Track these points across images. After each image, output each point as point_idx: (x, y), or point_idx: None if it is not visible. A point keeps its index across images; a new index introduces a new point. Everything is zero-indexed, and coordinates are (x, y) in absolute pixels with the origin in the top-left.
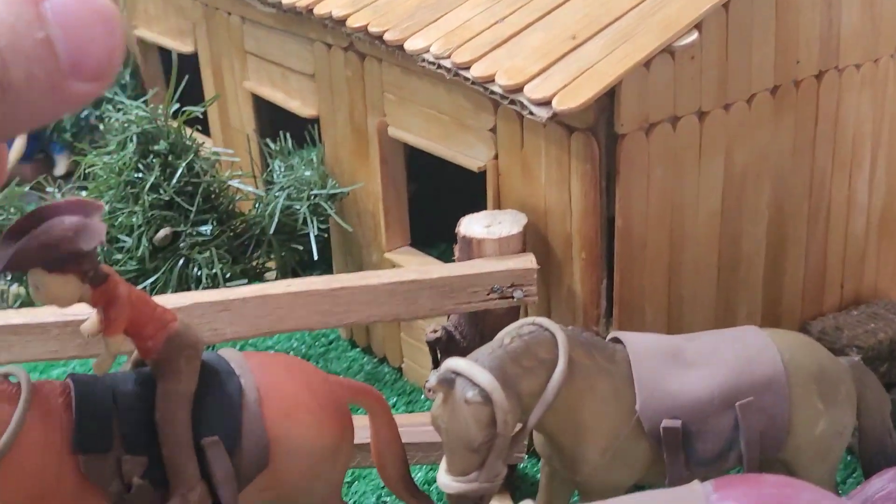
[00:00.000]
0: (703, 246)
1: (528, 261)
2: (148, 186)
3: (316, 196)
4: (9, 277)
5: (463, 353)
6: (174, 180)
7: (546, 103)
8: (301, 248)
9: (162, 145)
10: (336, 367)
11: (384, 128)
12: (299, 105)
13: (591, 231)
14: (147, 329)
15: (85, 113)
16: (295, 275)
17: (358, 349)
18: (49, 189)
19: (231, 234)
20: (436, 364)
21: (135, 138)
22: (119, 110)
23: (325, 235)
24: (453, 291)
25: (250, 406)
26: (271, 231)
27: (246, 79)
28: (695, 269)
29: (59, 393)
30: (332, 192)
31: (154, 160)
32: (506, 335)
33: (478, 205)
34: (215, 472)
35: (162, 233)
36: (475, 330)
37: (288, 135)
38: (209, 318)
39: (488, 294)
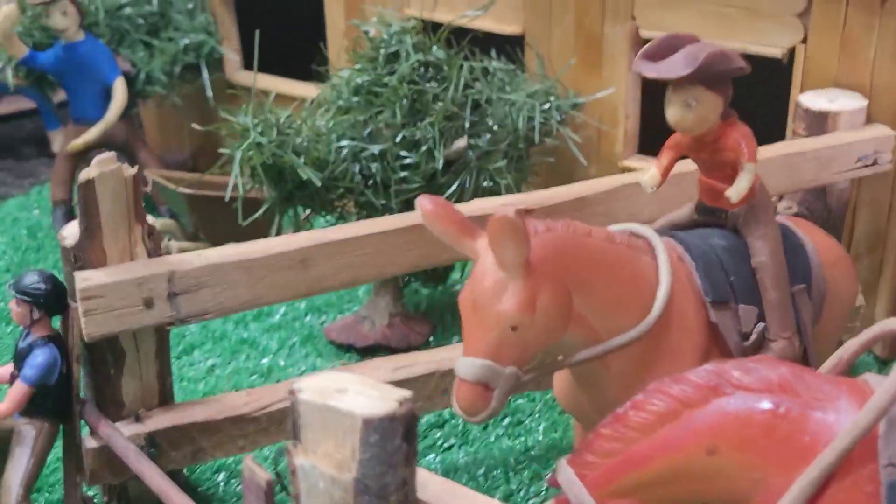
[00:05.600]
0: None
1: (885, 129)
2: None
3: (557, 107)
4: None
5: None
6: (451, 91)
7: None
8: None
9: (440, 55)
10: None
11: (635, 31)
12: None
13: None
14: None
15: None
16: None
17: None
18: None
19: (507, 144)
20: None
21: (411, 50)
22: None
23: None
24: (829, 161)
25: (812, 256)
26: (536, 140)
27: None
28: None
29: (671, 247)
30: (575, 101)
31: (430, 71)
32: None
33: None
34: (803, 318)
35: (458, 143)
36: (822, 205)
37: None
38: None
39: (856, 163)
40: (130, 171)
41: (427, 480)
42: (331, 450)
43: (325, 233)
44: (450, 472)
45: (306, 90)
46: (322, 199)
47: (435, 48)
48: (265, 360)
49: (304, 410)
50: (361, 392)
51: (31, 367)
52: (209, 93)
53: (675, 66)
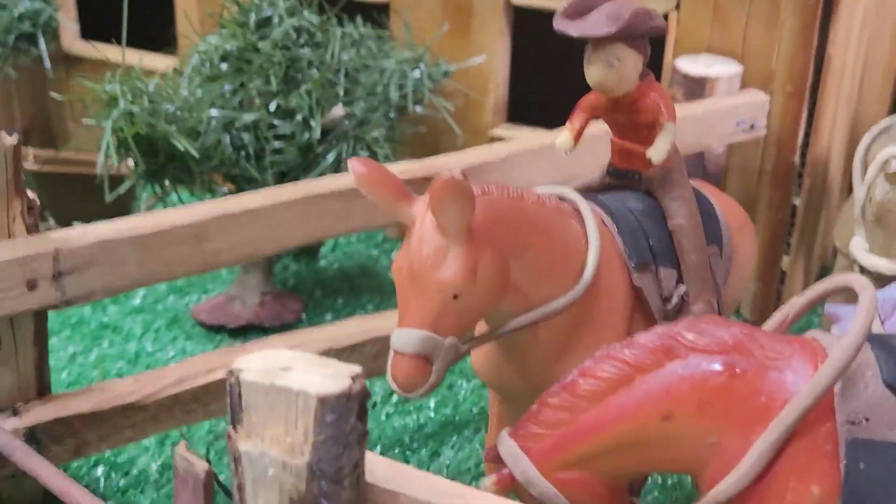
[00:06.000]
0: None
1: (760, 94)
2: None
3: (428, 76)
4: None
5: None
6: (328, 58)
7: None
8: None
9: (313, 20)
10: None
11: None
12: None
13: (800, 65)
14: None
15: None
16: None
17: None
18: None
19: (378, 113)
20: None
21: (283, 15)
22: None
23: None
24: (709, 126)
25: (721, 219)
26: (410, 108)
27: None
28: None
29: (594, 210)
30: (446, 69)
31: (303, 37)
32: None
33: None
34: (717, 279)
35: (335, 112)
36: (701, 171)
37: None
38: None
39: (736, 127)
40: (11, 140)
41: (373, 462)
42: (280, 433)
43: (221, 204)
44: None
45: (154, 60)
46: (193, 173)
47: (306, 13)
48: (131, 346)
49: (247, 392)
50: (309, 370)
51: None
52: (47, 63)
53: (599, 25)
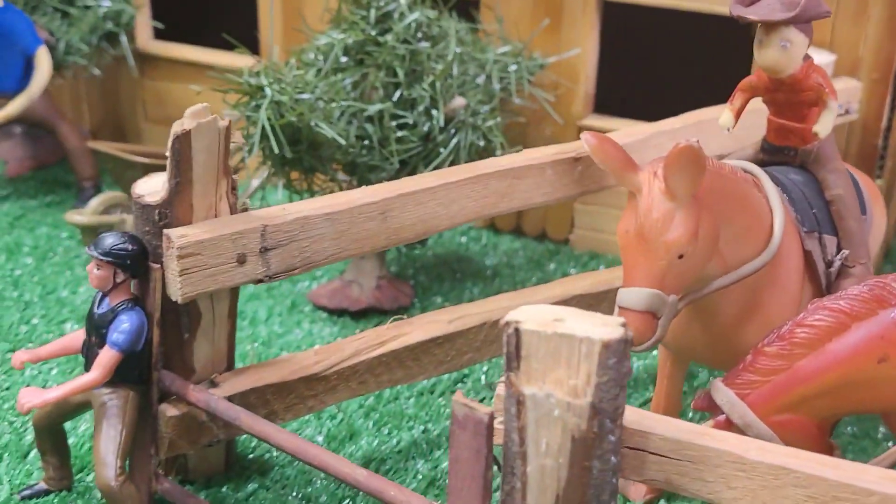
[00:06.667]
0: None
1: (853, 81)
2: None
3: (525, 68)
4: None
5: None
6: (452, 51)
7: None
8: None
9: (430, 14)
10: None
11: None
12: None
13: (886, 54)
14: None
15: None
16: None
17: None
18: None
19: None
20: None
21: (406, 10)
22: None
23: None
24: None
25: (863, 191)
26: (514, 99)
27: None
28: None
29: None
30: (541, 62)
31: (420, 31)
32: None
33: None
34: (870, 245)
35: (457, 102)
36: None
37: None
38: None
39: None
40: (223, 122)
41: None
42: (562, 377)
43: (402, 184)
44: None
45: (233, 60)
46: (325, 161)
47: (423, 9)
48: (261, 329)
49: (529, 340)
50: (580, 320)
51: (120, 333)
52: (131, 62)
53: (776, 10)
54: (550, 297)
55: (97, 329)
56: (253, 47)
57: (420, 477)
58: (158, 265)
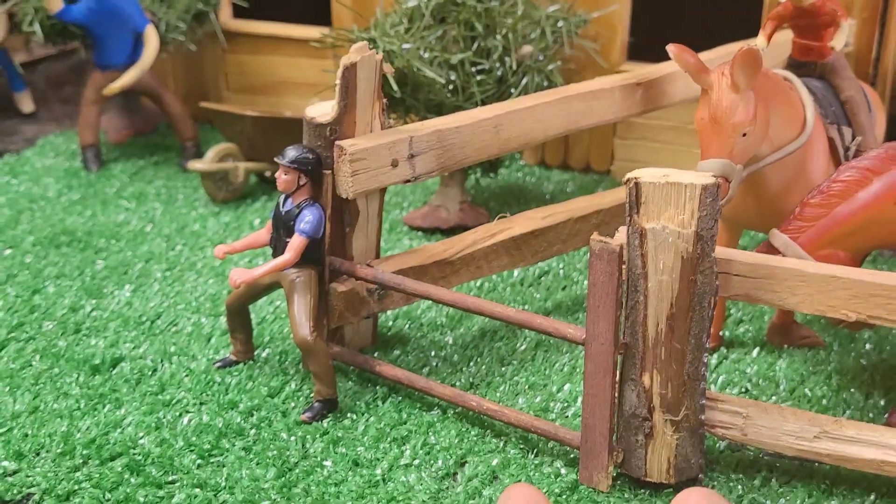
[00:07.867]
0: None
1: (849, 20)
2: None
3: (573, 22)
4: None
5: None
6: (520, 6)
7: None
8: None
9: None
10: None
11: None
12: None
13: None
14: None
15: None
16: None
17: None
18: None
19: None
20: None
21: None
22: None
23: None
24: None
25: (868, 95)
26: (566, 49)
27: None
28: None
29: None
30: (584, 17)
31: None
32: None
33: None
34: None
35: (525, 49)
36: None
37: None
38: None
39: None
40: (378, 56)
41: None
42: (672, 214)
43: (510, 104)
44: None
45: (307, 31)
46: (420, 102)
47: None
48: None
49: (646, 189)
50: (682, 175)
51: (306, 223)
52: (221, 37)
53: None
54: (614, 199)
55: (284, 223)
56: (325, 19)
57: (529, 339)
58: (329, 171)
